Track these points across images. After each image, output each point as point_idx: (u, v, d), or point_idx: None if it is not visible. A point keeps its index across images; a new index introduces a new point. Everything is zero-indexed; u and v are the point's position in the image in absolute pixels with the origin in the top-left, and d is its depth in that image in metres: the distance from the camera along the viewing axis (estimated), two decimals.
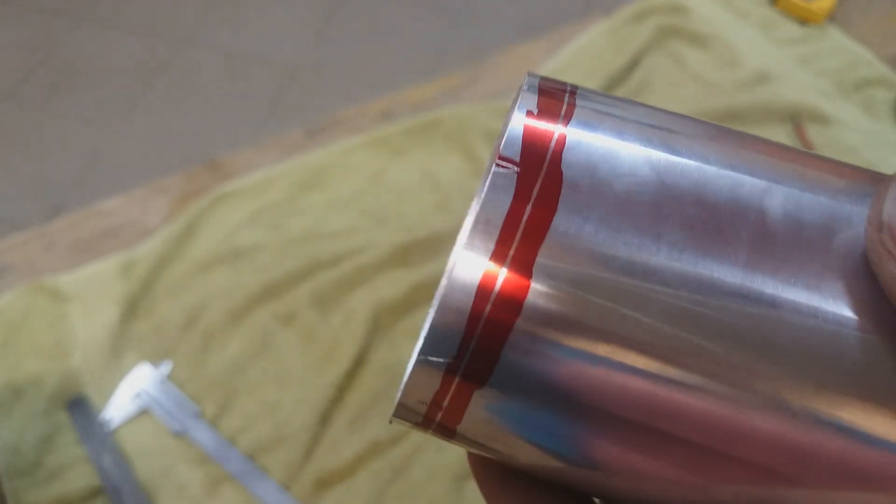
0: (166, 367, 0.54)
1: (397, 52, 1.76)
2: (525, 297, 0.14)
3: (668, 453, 0.14)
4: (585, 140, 0.15)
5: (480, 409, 0.15)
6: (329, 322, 0.57)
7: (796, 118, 0.72)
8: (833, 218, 0.14)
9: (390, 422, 0.17)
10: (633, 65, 0.76)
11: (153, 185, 0.64)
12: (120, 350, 0.55)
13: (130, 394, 0.52)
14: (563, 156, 0.15)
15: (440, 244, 0.61)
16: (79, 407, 0.52)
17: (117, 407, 0.52)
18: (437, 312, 0.14)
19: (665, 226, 0.14)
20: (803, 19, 0.81)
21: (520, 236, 0.14)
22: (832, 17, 0.81)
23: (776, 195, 0.15)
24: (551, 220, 0.14)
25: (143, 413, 0.52)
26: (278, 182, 0.64)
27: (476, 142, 0.67)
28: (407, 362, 0.57)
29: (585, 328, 0.14)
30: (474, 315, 0.14)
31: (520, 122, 0.15)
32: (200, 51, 1.77)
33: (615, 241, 0.14)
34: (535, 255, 0.14)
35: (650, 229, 0.14)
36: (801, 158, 0.16)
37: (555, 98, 0.16)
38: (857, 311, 0.13)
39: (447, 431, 0.16)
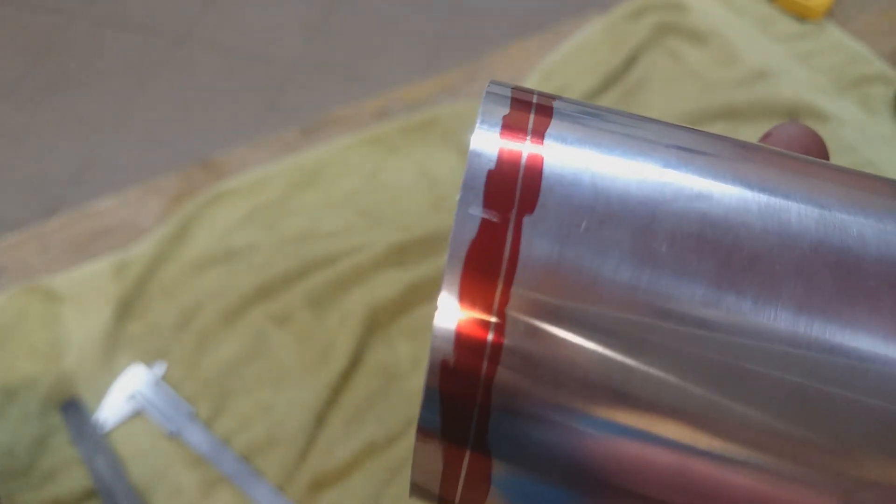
0: (160, 368, 0.54)
1: (393, 50, 1.76)
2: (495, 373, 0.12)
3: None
4: (560, 159, 0.13)
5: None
6: (324, 322, 0.56)
7: (794, 115, 0.71)
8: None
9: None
10: (630, 62, 0.75)
11: (147, 185, 0.64)
12: (114, 351, 0.54)
13: (124, 395, 0.52)
14: (542, 184, 0.13)
15: (436, 243, 0.60)
16: (72, 408, 0.52)
17: (111, 408, 0.52)
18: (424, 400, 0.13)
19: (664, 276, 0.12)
20: (801, 16, 0.81)
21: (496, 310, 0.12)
22: (830, 13, 0.81)
23: (771, 212, 0.13)
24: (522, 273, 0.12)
25: (137, 414, 0.52)
26: (273, 181, 0.64)
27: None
28: (404, 361, 0.56)
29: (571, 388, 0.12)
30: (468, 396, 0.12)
31: (485, 143, 0.14)
32: (196, 50, 1.77)
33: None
34: (503, 338, 0.12)
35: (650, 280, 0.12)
36: (775, 161, 0.14)
37: (522, 111, 0.14)
38: None
39: None
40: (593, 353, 0.12)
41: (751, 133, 0.70)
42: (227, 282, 0.58)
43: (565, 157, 0.13)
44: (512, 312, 0.12)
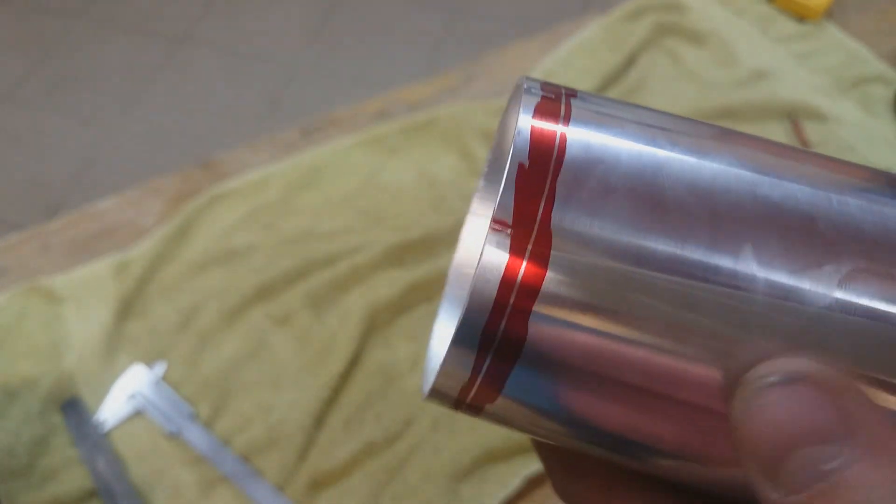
0: (160, 368, 0.54)
1: (393, 51, 1.76)
2: (542, 285, 0.15)
3: (660, 412, 0.16)
4: (587, 139, 0.16)
5: (510, 388, 0.16)
6: (324, 322, 0.56)
7: (793, 115, 0.71)
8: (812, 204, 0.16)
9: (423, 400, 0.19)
10: (629, 63, 0.76)
11: (148, 186, 0.64)
12: (114, 351, 0.54)
13: (124, 395, 0.52)
14: (566, 155, 0.16)
15: (436, 244, 0.61)
16: (73, 408, 0.52)
17: (111, 408, 0.52)
18: (468, 304, 0.16)
19: (665, 217, 0.16)
20: (801, 16, 0.81)
21: (536, 231, 0.15)
22: (829, 13, 0.81)
23: (764, 186, 0.16)
24: (557, 215, 0.16)
25: (137, 414, 0.52)
26: (273, 182, 0.64)
27: (472, 141, 0.67)
28: (404, 361, 0.56)
29: (594, 309, 0.15)
30: (500, 304, 0.16)
31: (527, 123, 0.16)
32: (196, 51, 1.77)
33: (619, 233, 0.16)
34: (550, 247, 0.16)
35: (651, 221, 0.16)
36: (792, 154, 0.17)
37: (553, 100, 0.17)
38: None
39: (475, 410, 0.18)
40: (604, 270, 0.15)
41: (750, 133, 0.71)
42: (227, 282, 0.58)
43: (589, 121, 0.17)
44: (555, 226, 0.16)
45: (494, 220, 0.16)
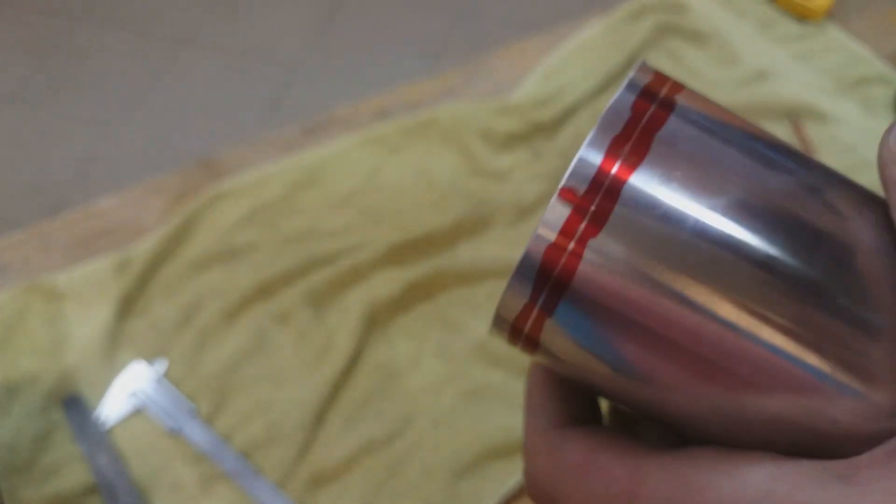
0: (161, 366, 0.54)
1: (394, 51, 1.76)
2: (596, 237, 0.18)
3: (674, 358, 0.18)
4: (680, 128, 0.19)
5: (560, 320, 0.19)
6: (324, 321, 0.57)
7: (794, 116, 0.71)
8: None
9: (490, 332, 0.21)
10: (630, 62, 0.76)
11: (149, 185, 0.64)
12: (115, 348, 0.55)
13: (125, 392, 0.52)
14: (658, 133, 0.19)
15: (436, 243, 0.61)
16: (74, 405, 0.52)
17: (112, 405, 0.52)
18: (531, 245, 0.18)
19: (717, 194, 0.18)
20: (801, 17, 0.81)
21: (608, 184, 0.18)
22: (831, 14, 0.81)
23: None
24: (630, 176, 0.18)
25: (137, 411, 0.52)
26: (274, 181, 0.64)
27: (472, 140, 0.67)
28: (403, 359, 0.57)
29: (638, 264, 0.18)
30: (558, 245, 0.18)
31: (629, 99, 0.19)
32: (198, 51, 1.77)
33: (673, 202, 0.18)
34: (614, 205, 0.18)
35: (706, 193, 0.18)
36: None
37: (664, 84, 0.20)
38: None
39: (531, 343, 0.20)
40: (657, 232, 0.18)
41: None
42: (228, 280, 0.58)
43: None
44: (628, 182, 0.18)
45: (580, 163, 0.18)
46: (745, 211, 0.18)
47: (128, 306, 0.57)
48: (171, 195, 0.64)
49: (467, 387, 0.54)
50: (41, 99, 1.66)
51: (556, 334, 0.19)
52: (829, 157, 0.68)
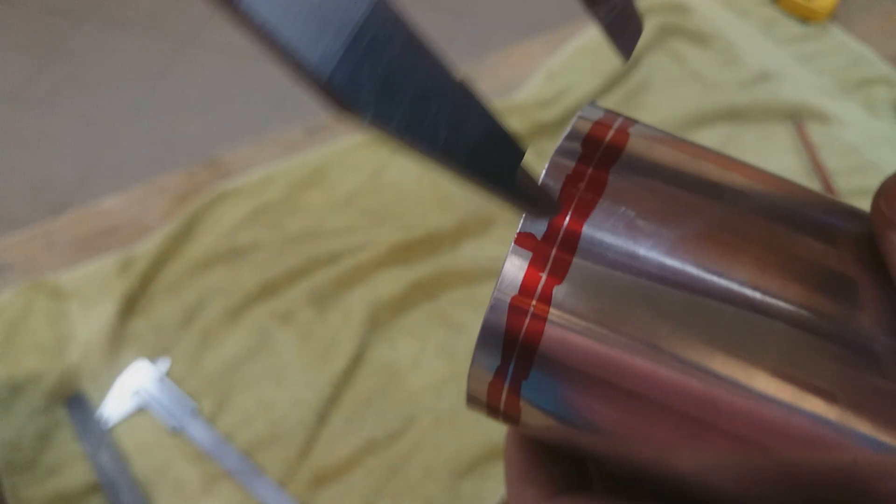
0: (164, 365, 0.54)
1: None
2: (555, 293, 0.17)
3: (655, 418, 0.17)
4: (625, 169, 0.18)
5: (528, 394, 0.17)
6: (327, 320, 0.57)
7: (797, 117, 0.71)
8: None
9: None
10: (633, 64, 0.76)
11: (153, 184, 0.65)
12: (118, 347, 0.55)
13: (128, 391, 0.53)
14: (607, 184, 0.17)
15: (439, 243, 0.61)
16: (77, 403, 0.52)
17: (115, 404, 0.52)
18: (491, 306, 0.17)
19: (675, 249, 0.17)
20: (805, 18, 0.81)
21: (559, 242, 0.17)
22: (834, 15, 0.81)
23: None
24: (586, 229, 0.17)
25: (140, 410, 0.52)
26: (277, 181, 0.64)
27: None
28: (406, 359, 0.57)
29: (600, 322, 0.16)
30: (519, 309, 0.17)
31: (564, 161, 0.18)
32: (202, 51, 1.78)
33: (628, 259, 0.17)
34: (571, 259, 0.17)
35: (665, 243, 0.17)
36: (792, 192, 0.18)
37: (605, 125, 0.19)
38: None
39: (511, 418, 0.19)
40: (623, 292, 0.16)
41: (753, 135, 0.71)
42: (231, 280, 0.58)
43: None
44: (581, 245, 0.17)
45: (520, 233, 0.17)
46: (714, 246, 0.16)
47: (131, 305, 0.57)
48: (174, 195, 0.64)
49: None
50: (45, 98, 1.66)
51: (533, 407, 0.18)
52: (832, 158, 0.68)
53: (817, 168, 0.67)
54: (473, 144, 0.15)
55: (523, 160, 0.16)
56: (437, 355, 0.55)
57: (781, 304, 0.16)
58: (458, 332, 0.57)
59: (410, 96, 0.14)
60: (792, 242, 0.17)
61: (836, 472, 0.16)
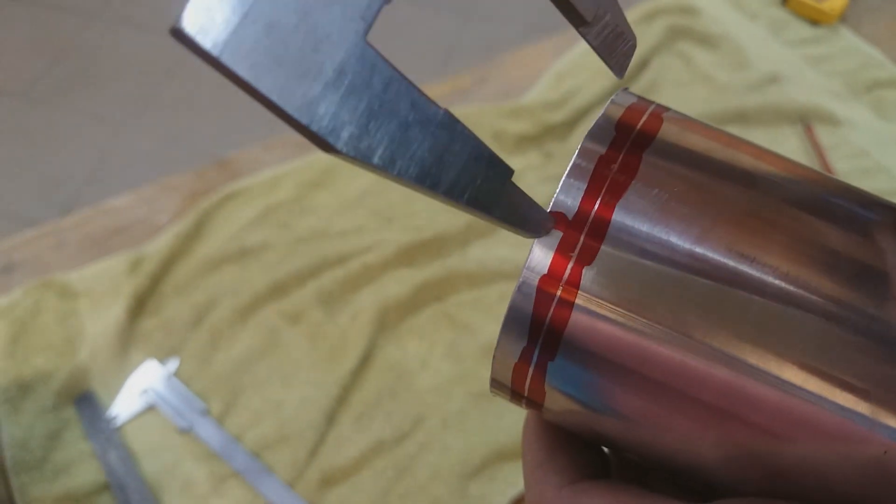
0: (173, 364, 0.54)
1: (407, 52, 1.76)
2: (583, 280, 0.16)
3: (680, 406, 0.16)
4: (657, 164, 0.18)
5: (555, 378, 0.17)
6: (335, 321, 0.57)
7: (806, 120, 0.71)
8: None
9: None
10: (642, 65, 0.76)
11: (162, 184, 0.65)
12: (127, 347, 0.55)
13: (137, 390, 0.53)
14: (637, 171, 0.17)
15: (447, 244, 0.61)
16: (86, 403, 0.52)
17: (124, 403, 0.52)
18: (518, 290, 0.17)
19: (705, 232, 0.16)
20: (814, 20, 0.80)
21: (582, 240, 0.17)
22: (843, 17, 0.81)
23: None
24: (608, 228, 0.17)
25: (149, 409, 0.52)
26: (286, 181, 0.64)
27: (484, 142, 0.67)
28: (413, 360, 0.57)
29: (627, 308, 0.16)
30: (546, 294, 0.17)
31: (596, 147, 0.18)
32: None
33: (654, 247, 0.16)
34: (598, 248, 0.16)
35: (690, 231, 0.16)
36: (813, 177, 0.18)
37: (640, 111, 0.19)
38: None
39: (534, 403, 0.18)
40: (649, 273, 0.16)
41: (762, 137, 0.70)
42: (240, 280, 0.58)
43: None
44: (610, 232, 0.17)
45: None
46: (746, 234, 0.16)
47: (140, 305, 0.57)
48: (184, 194, 0.64)
49: (477, 388, 0.54)
50: (55, 97, 1.67)
51: (557, 392, 0.18)
52: (841, 161, 0.68)
53: (826, 171, 0.67)
54: (458, 171, 0.16)
55: (512, 178, 0.17)
56: (445, 356, 0.55)
57: (812, 294, 0.16)
58: (466, 333, 0.57)
59: (392, 132, 0.15)
60: (824, 233, 0.16)
61: (866, 465, 0.15)
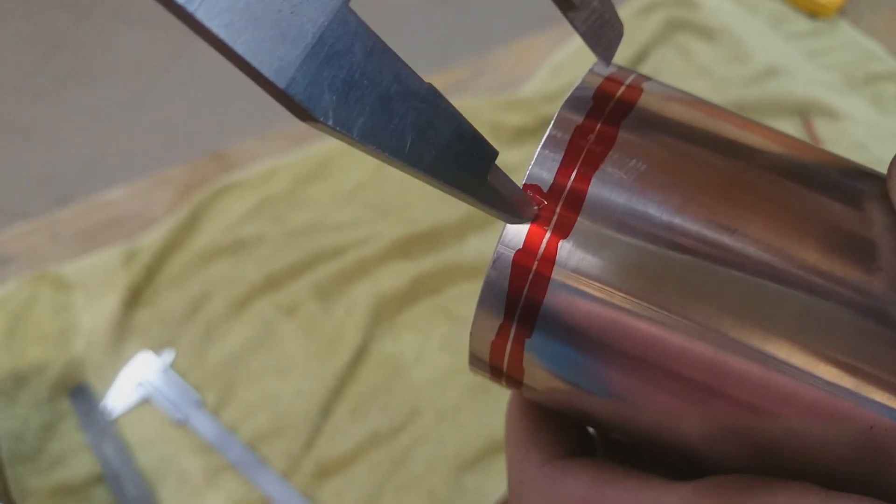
0: (168, 357, 0.54)
1: (403, 45, 1.75)
2: (559, 253, 0.16)
3: (662, 382, 0.16)
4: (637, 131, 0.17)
5: (531, 354, 0.17)
6: (331, 313, 0.57)
7: (805, 113, 0.71)
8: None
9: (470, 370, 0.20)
10: (640, 58, 0.75)
11: (157, 176, 0.64)
12: (122, 339, 0.55)
13: (132, 382, 0.53)
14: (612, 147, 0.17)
15: (442, 237, 0.61)
16: (81, 395, 0.52)
17: (119, 395, 0.52)
18: (493, 264, 0.16)
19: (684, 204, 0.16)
20: (813, 13, 0.80)
21: (561, 203, 0.16)
22: (842, 11, 0.81)
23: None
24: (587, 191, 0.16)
25: (144, 402, 0.52)
26: (282, 174, 0.64)
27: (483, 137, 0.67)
28: (409, 352, 0.57)
29: (605, 282, 0.16)
30: (522, 268, 0.16)
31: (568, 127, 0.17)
32: (207, 44, 1.77)
33: (636, 216, 0.16)
34: (574, 221, 0.16)
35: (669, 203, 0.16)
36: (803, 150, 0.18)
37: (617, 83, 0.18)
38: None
39: (514, 381, 0.18)
40: (630, 248, 0.16)
41: None
42: (235, 272, 0.58)
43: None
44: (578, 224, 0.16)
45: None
46: (727, 205, 0.16)
47: (135, 297, 0.57)
48: (179, 187, 0.64)
49: (472, 381, 0.54)
50: (50, 90, 1.66)
51: (536, 367, 0.17)
52: (839, 154, 0.68)
53: None
54: (441, 149, 0.15)
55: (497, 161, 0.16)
56: (440, 349, 0.55)
57: (796, 266, 0.15)
58: (462, 326, 0.57)
59: (373, 103, 0.14)
60: (808, 202, 0.16)
61: (852, 440, 0.15)
